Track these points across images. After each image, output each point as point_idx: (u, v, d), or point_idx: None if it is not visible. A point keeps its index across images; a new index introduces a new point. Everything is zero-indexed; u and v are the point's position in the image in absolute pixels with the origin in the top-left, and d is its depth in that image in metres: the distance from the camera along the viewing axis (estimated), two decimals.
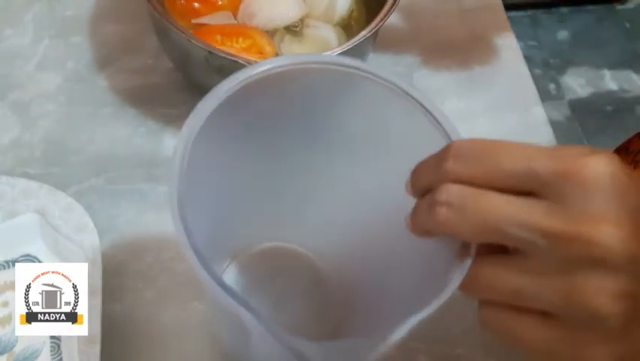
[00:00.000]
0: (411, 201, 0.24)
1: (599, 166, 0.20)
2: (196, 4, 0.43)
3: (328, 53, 0.37)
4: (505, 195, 0.21)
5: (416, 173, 0.24)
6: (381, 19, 0.39)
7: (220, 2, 0.43)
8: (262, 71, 0.25)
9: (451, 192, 0.21)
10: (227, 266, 0.36)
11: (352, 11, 0.46)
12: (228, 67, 0.37)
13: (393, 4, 0.39)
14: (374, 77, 0.26)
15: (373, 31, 0.38)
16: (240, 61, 0.36)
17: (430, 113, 0.25)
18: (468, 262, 0.22)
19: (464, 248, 0.22)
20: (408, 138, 0.27)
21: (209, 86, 0.36)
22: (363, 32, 0.38)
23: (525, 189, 0.21)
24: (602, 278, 0.20)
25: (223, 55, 0.36)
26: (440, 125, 0.25)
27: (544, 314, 0.21)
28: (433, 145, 0.24)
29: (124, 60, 0.46)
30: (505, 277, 0.21)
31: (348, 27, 0.45)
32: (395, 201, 0.25)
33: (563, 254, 0.20)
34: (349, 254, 0.34)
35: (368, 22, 0.40)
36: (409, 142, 0.26)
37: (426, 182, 0.23)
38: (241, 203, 0.32)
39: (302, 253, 0.37)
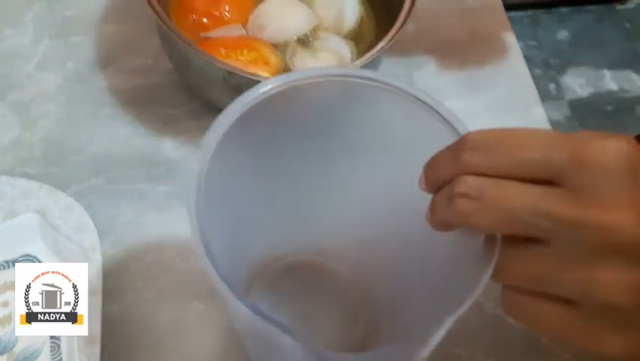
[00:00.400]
0: (426, 201, 0.24)
1: (615, 150, 0.20)
2: (204, 19, 0.43)
3: (349, 65, 0.37)
4: (523, 185, 0.21)
5: (430, 167, 0.24)
6: (397, 30, 0.39)
7: (228, 16, 0.43)
8: (271, 88, 0.26)
9: (469, 183, 0.21)
10: (250, 284, 0.36)
11: (362, 20, 0.45)
12: (247, 85, 0.37)
13: (408, 13, 0.39)
14: (382, 85, 0.26)
15: (391, 42, 0.38)
16: (260, 79, 0.36)
17: (436, 111, 0.26)
18: (494, 256, 0.22)
19: (489, 241, 0.22)
20: (417, 139, 0.27)
21: (222, 102, 0.35)
22: (381, 44, 0.38)
23: (543, 177, 0.21)
24: (617, 267, 0.20)
25: (243, 74, 0.36)
26: (448, 122, 0.25)
27: (566, 301, 0.21)
28: (442, 142, 0.24)
29: (124, 60, 0.46)
30: (526, 265, 0.21)
31: (359, 35, 0.45)
32: (412, 204, 0.25)
33: (581, 241, 0.20)
34: (371, 261, 0.34)
35: (378, 28, 0.40)
36: (420, 143, 0.27)
37: (442, 176, 0.23)
38: (260, 219, 0.32)
39: (323, 264, 0.37)
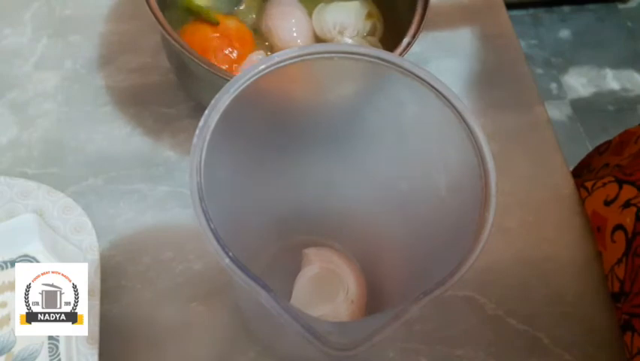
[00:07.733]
0: (432, 186, 0.24)
1: None
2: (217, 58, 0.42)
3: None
4: None
5: None
6: (422, 17, 0.39)
7: (234, 56, 0.42)
8: (282, 60, 0.25)
9: None
10: (253, 263, 0.36)
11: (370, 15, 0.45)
12: None
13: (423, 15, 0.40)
14: (400, 69, 0.26)
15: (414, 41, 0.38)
16: None
17: (448, 100, 0.25)
18: (479, 246, 0.22)
19: (478, 233, 0.22)
20: (426, 126, 0.27)
21: None
22: (406, 39, 0.38)
23: None
24: None
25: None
26: (460, 114, 0.25)
27: None
28: (451, 129, 0.24)
29: (122, 59, 0.46)
30: None
31: (373, 30, 0.45)
32: (416, 187, 0.24)
33: None
34: (375, 244, 0.34)
35: (385, 21, 0.41)
36: (428, 130, 0.26)
37: None
38: (263, 198, 0.31)
39: (327, 245, 0.37)
